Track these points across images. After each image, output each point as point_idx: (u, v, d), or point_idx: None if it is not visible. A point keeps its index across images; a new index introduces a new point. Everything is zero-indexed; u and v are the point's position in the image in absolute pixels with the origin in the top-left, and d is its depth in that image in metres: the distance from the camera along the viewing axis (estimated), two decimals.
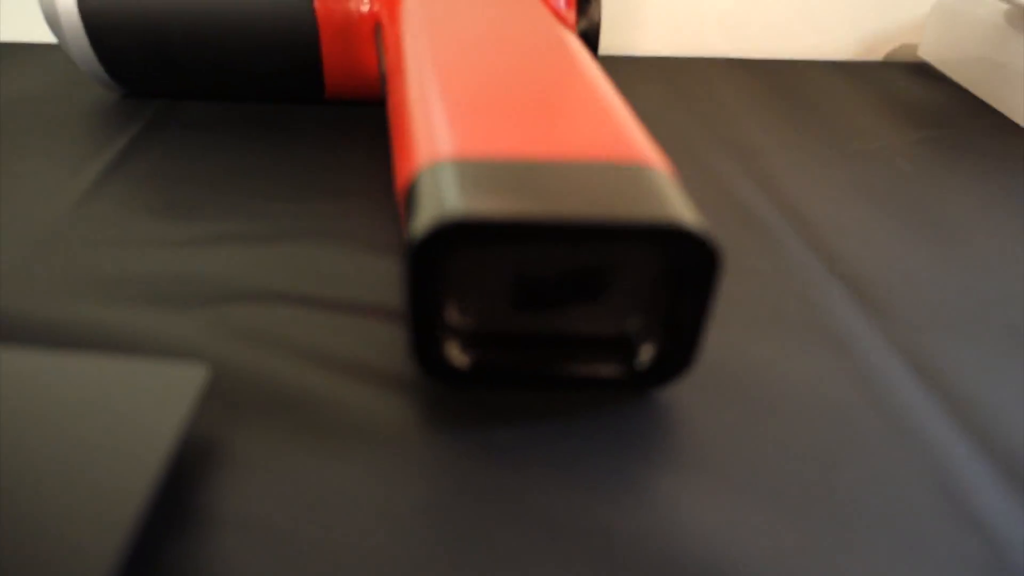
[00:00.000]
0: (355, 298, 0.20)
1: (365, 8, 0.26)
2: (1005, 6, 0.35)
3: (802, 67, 0.40)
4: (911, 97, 0.37)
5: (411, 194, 0.15)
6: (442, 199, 0.13)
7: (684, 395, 0.18)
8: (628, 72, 0.38)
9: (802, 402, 0.18)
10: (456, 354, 0.16)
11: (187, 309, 0.20)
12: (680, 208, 0.14)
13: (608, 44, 0.42)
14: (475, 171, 0.14)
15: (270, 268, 0.22)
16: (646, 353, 0.16)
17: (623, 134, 0.16)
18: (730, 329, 0.20)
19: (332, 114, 0.30)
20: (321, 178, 0.26)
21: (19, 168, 0.27)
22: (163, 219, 0.24)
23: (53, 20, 0.27)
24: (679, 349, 0.16)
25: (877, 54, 0.43)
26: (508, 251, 0.14)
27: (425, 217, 0.13)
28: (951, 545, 0.14)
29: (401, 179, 0.16)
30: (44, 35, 0.39)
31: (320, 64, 0.28)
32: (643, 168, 0.15)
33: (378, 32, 0.26)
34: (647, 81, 0.37)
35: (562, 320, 0.16)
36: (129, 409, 0.14)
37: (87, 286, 0.21)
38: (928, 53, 0.40)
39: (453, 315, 0.15)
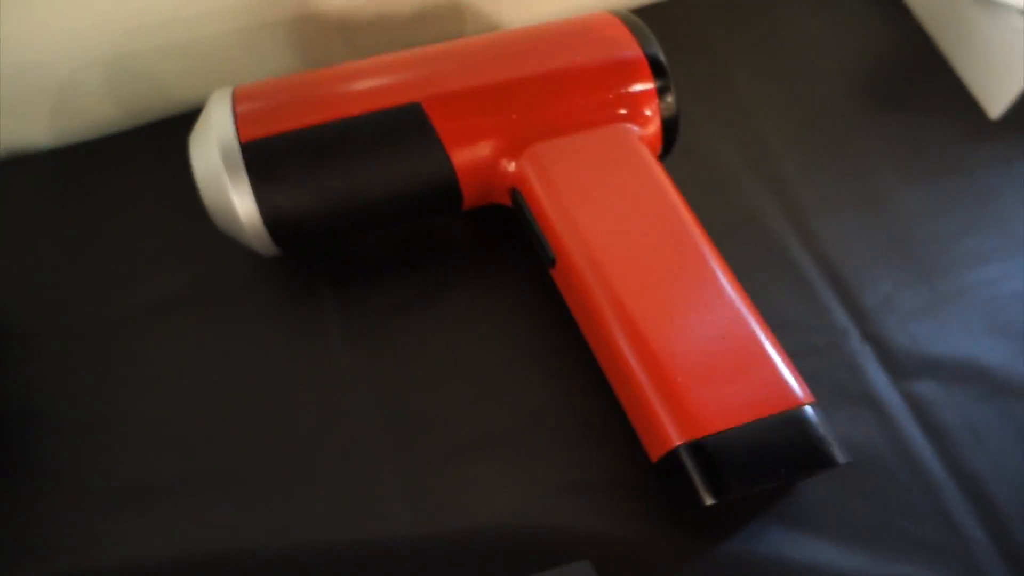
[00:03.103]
0: None
1: (505, 169, 0.30)
2: None
3: None
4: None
5: (673, 463, 0.25)
6: (707, 482, 0.24)
7: None
8: None
9: None
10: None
11: None
12: (835, 448, 0.25)
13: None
14: (716, 443, 0.25)
15: None
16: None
17: (779, 378, 0.26)
18: None
19: None
20: None
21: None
22: None
23: (229, 222, 0.29)
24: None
25: None
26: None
27: (706, 491, 0.24)
28: None
29: (653, 439, 0.26)
30: None
31: (460, 202, 0.31)
32: (799, 412, 0.25)
33: (519, 195, 0.30)
34: None
35: None
36: None
37: None
38: None
39: None
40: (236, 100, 0.29)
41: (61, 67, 0.35)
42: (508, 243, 0.33)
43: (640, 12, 0.43)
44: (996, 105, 0.37)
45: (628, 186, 0.29)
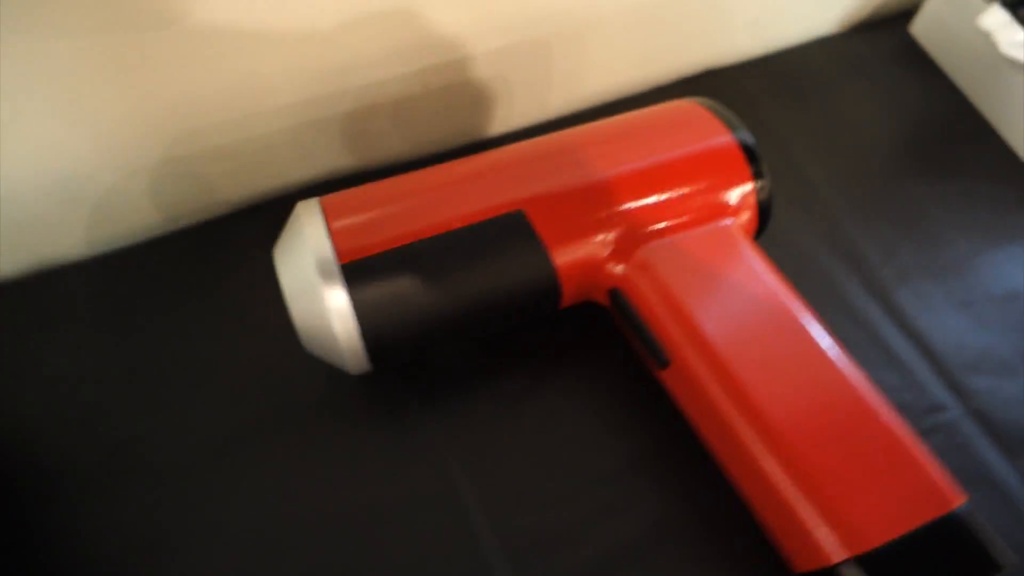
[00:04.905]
0: None
1: (609, 271, 0.29)
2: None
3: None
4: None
5: None
6: None
7: None
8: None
9: None
10: None
11: None
12: (1000, 550, 0.24)
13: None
14: (881, 556, 0.24)
15: None
16: None
17: (931, 480, 0.25)
18: None
19: None
20: None
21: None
22: None
23: (321, 342, 0.27)
24: None
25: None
26: None
27: None
28: None
29: (802, 551, 0.25)
30: None
31: (558, 305, 0.30)
32: (958, 514, 0.24)
33: (622, 296, 0.29)
34: None
35: None
36: None
37: None
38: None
39: None
40: (328, 215, 0.27)
41: (105, 177, 0.33)
42: (598, 342, 0.32)
43: (678, 86, 0.43)
44: None
45: (742, 282, 0.28)
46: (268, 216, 0.35)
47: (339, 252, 0.26)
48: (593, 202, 0.28)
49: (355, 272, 0.26)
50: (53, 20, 0.27)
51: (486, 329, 0.29)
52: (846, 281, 0.35)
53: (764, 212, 0.30)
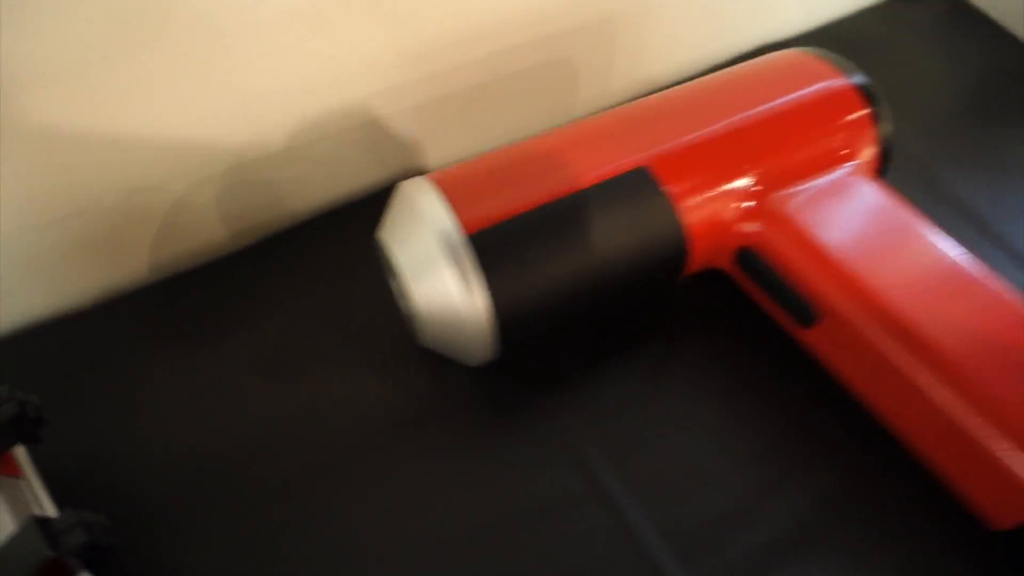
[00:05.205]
0: None
1: (738, 228, 0.27)
2: None
3: None
4: None
5: None
6: None
7: None
8: None
9: None
10: None
11: None
12: None
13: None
14: None
15: None
16: None
17: None
18: None
19: None
20: None
21: None
22: None
23: (446, 327, 0.25)
24: None
25: None
26: None
27: None
28: None
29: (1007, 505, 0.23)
30: None
31: (682, 271, 0.28)
32: None
33: (754, 255, 0.27)
34: None
35: None
36: None
37: None
38: None
39: None
40: (442, 188, 0.25)
41: (174, 187, 0.31)
42: (719, 313, 0.30)
43: (734, 63, 0.42)
44: None
45: (883, 221, 0.26)
46: (336, 226, 0.33)
47: (463, 222, 0.24)
48: (719, 154, 0.26)
49: (482, 242, 0.24)
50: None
51: (613, 301, 0.27)
52: (960, 231, 0.33)
53: (886, 153, 0.29)
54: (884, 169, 0.29)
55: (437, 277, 0.24)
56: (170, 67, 0.27)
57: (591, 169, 0.25)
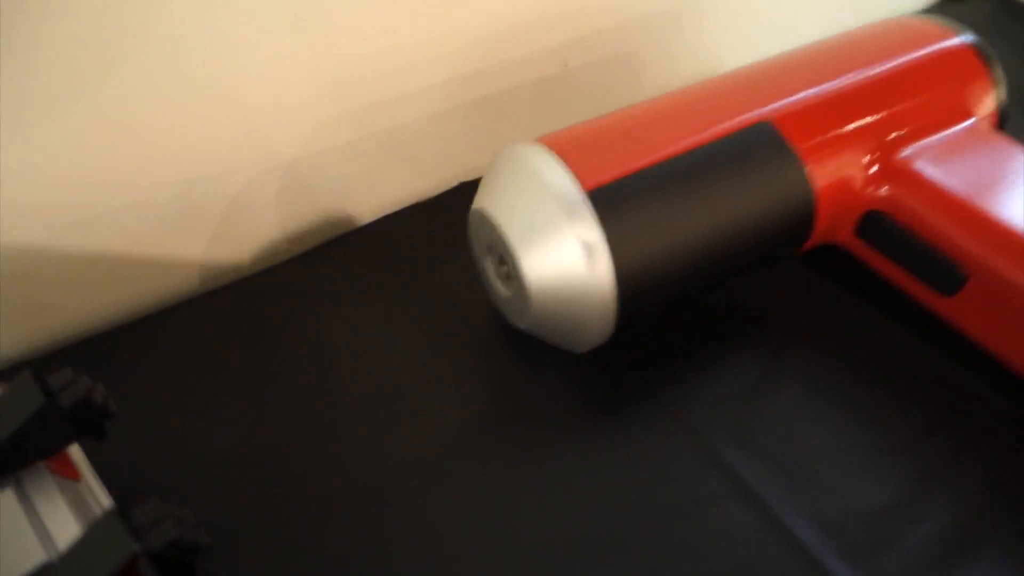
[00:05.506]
0: None
1: (866, 190, 0.25)
2: None
3: None
4: None
5: None
6: None
7: None
8: None
9: None
10: None
11: None
12: None
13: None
14: None
15: None
16: None
17: None
18: None
19: None
20: None
21: None
22: None
23: (561, 299, 0.22)
24: None
25: None
26: None
27: None
28: None
29: None
30: None
31: (805, 239, 0.26)
32: None
33: (887, 219, 0.24)
34: None
35: None
36: None
37: None
38: None
39: None
40: (555, 148, 0.23)
41: (234, 180, 0.28)
42: (834, 290, 0.27)
43: None
44: None
45: (1020, 171, 0.24)
46: (397, 229, 0.31)
47: (581, 180, 0.22)
48: (844, 111, 0.25)
49: (602, 198, 0.21)
50: None
51: (734, 272, 0.25)
52: None
53: (1003, 111, 0.27)
54: (1002, 127, 0.28)
55: (553, 240, 0.21)
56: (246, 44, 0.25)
57: (711, 125, 0.23)
